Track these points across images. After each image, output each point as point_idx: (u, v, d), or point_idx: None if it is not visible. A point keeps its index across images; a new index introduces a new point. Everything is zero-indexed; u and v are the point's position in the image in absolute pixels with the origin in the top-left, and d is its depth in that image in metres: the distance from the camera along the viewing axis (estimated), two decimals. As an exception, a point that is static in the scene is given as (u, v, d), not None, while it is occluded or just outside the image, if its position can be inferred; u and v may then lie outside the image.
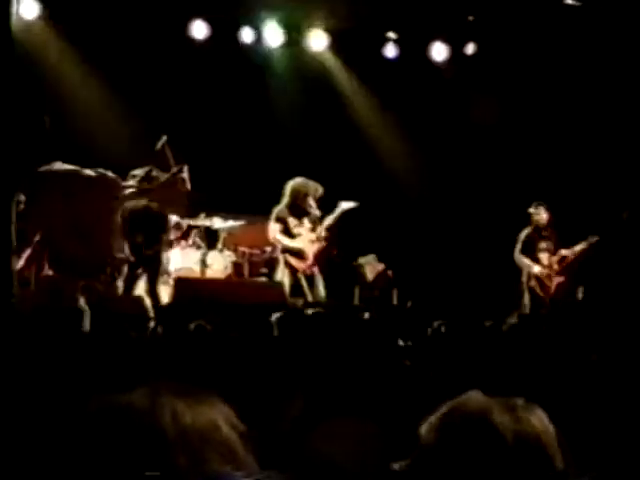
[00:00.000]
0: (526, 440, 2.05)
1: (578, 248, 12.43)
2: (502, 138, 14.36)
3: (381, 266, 13.56)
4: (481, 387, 2.19)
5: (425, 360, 5.26)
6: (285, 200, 11.71)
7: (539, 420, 2.11)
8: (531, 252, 12.47)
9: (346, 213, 11.83)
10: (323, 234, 11.80)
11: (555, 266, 12.42)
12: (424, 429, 2.12)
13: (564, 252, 12.45)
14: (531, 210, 12.47)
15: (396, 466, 2.16)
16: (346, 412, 3.90)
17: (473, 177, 14.46)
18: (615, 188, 13.48)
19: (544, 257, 12.45)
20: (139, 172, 12.24)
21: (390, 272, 13.48)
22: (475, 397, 2.13)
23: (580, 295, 12.68)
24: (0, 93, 9.11)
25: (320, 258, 11.88)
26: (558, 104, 14.04)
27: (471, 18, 14.07)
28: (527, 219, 12.57)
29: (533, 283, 12.45)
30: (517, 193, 13.40)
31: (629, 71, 13.48)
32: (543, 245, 12.47)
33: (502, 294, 12.29)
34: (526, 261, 12.46)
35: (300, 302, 11.05)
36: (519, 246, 12.51)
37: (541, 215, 12.42)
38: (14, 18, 9.76)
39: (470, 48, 14.57)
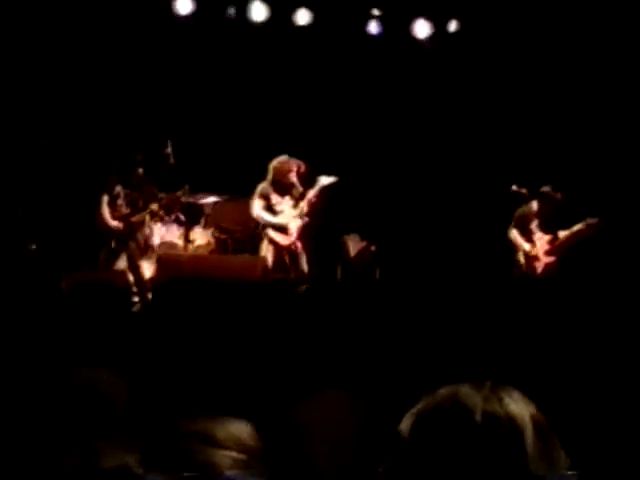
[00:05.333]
0: (497, 419, 2.03)
1: (574, 229, 12.18)
2: (485, 115, 14.40)
3: (363, 243, 13.59)
4: (460, 361, 2.24)
5: (405, 334, 5.32)
6: (268, 177, 11.77)
7: (513, 400, 2.08)
8: (524, 229, 12.29)
9: (328, 189, 11.88)
10: (305, 210, 11.86)
11: (546, 246, 12.26)
12: (402, 425, 2.13)
13: (561, 233, 12.24)
14: (543, 190, 12.17)
15: (380, 469, 2.18)
16: (329, 384, 3.97)
17: (457, 154, 14.47)
18: (612, 169, 13.46)
19: (536, 236, 12.26)
20: (124, 148, 12.27)
21: (373, 248, 13.51)
22: (446, 387, 2.11)
23: None
24: None
25: (303, 234, 11.94)
26: (542, 81, 14.07)
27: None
28: (511, 195, 12.43)
29: (522, 261, 12.29)
30: (502, 170, 13.41)
31: (616, 49, 13.49)
32: (537, 223, 12.26)
33: (489, 271, 12.24)
34: (518, 238, 12.28)
35: (283, 278, 11.12)
36: (514, 222, 12.31)
37: (547, 198, 12.12)
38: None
39: (453, 25, 14.58)
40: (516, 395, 2.10)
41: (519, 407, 2.07)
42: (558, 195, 12.12)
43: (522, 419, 2.05)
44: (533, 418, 2.07)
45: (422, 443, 2.06)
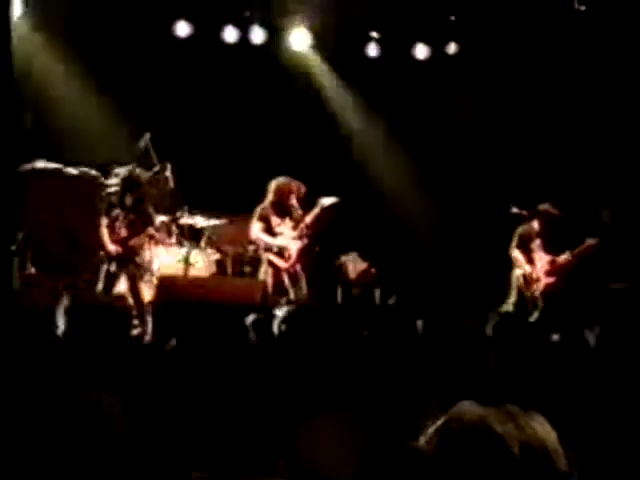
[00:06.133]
0: (532, 448, 2.05)
1: (575, 250, 12.03)
2: (484, 136, 14.43)
3: (364, 264, 13.58)
4: (465, 386, 2.21)
5: (408, 358, 5.29)
6: (268, 198, 11.74)
7: (541, 426, 2.10)
8: (525, 248, 12.19)
9: (327, 210, 11.86)
10: (305, 231, 11.83)
11: (546, 266, 12.17)
12: (423, 442, 2.10)
13: (561, 255, 12.10)
14: (540, 208, 12.11)
15: None
16: (328, 409, 3.94)
17: (457, 175, 14.50)
18: (607, 187, 13.49)
19: (537, 256, 12.16)
20: (122, 170, 12.27)
21: (373, 270, 13.49)
22: (470, 408, 2.11)
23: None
24: None
25: (302, 256, 11.91)
26: (540, 103, 14.11)
27: (453, 18, 14.14)
28: (509, 217, 12.40)
29: (521, 282, 12.19)
30: (501, 190, 13.42)
31: (612, 69, 13.54)
32: (538, 243, 12.17)
33: (489, 292, 12.20)
34: (519, 258, 12.16)
35: (283, 300, 11.08)
36: (515, 241, 12.20)
37: (547, 215, 12.08)
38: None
39: (452, 48, 14.60)
40: (542, 420, 2.13)
41: (548, 432, 2.11)
42: (557, 212, 12.10)
43: (554, 445, 2.10)
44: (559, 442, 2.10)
45: (452, 465, 2.06)
